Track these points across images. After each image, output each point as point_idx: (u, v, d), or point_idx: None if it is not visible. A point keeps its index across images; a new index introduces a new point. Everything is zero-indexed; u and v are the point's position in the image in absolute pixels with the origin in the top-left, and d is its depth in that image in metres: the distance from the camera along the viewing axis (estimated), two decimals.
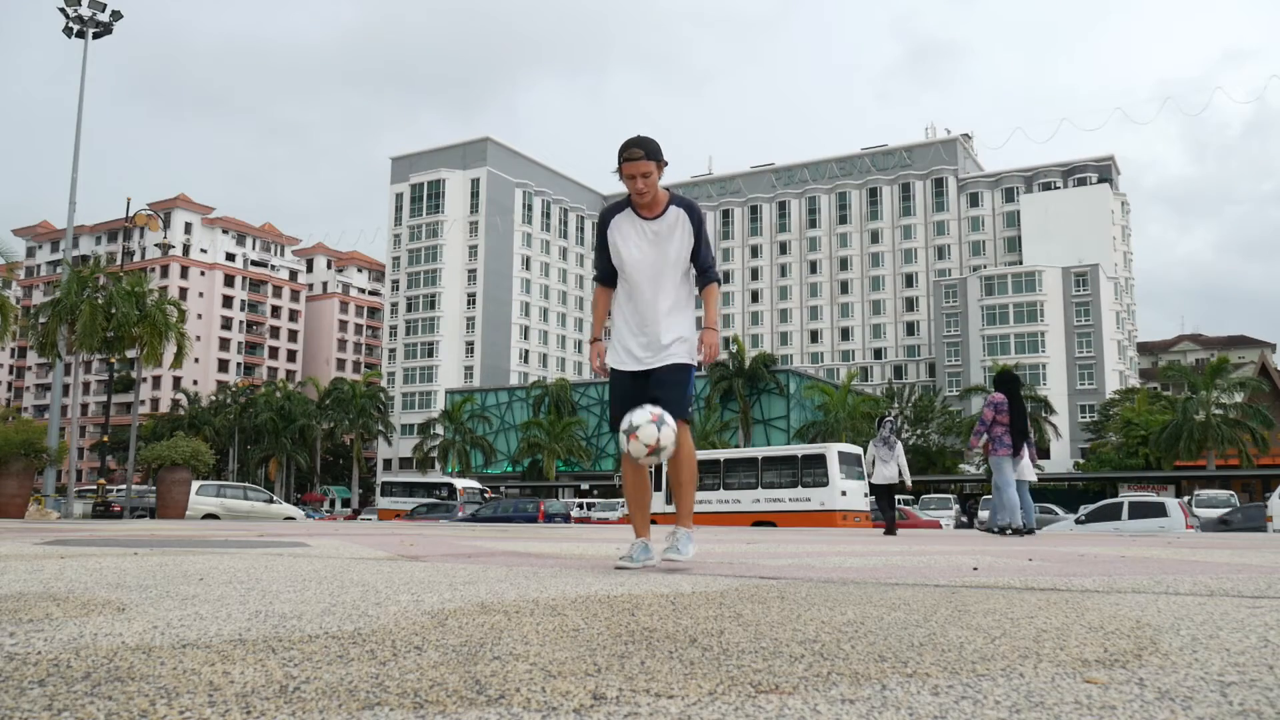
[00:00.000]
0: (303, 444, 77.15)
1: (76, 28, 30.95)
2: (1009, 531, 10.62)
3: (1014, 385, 11.12)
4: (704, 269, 3.96)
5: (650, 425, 3.54)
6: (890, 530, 12.58)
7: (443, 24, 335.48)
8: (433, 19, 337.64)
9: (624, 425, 3.59)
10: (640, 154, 3.71)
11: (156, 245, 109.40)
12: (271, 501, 27.96)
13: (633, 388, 3.87)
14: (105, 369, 43.19)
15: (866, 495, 27.07)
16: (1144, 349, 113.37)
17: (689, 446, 3.84)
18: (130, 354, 27.39)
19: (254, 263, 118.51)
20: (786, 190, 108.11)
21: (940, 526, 27.34)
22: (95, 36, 31.12)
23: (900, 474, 13.30)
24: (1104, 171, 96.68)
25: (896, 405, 64.78)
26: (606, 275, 4.01)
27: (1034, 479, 11.73)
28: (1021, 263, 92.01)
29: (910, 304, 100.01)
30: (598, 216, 4.12)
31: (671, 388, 3.81)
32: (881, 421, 13.67)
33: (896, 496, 14.08)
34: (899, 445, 13.42)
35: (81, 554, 4.49)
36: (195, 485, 22.59)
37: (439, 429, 72.55)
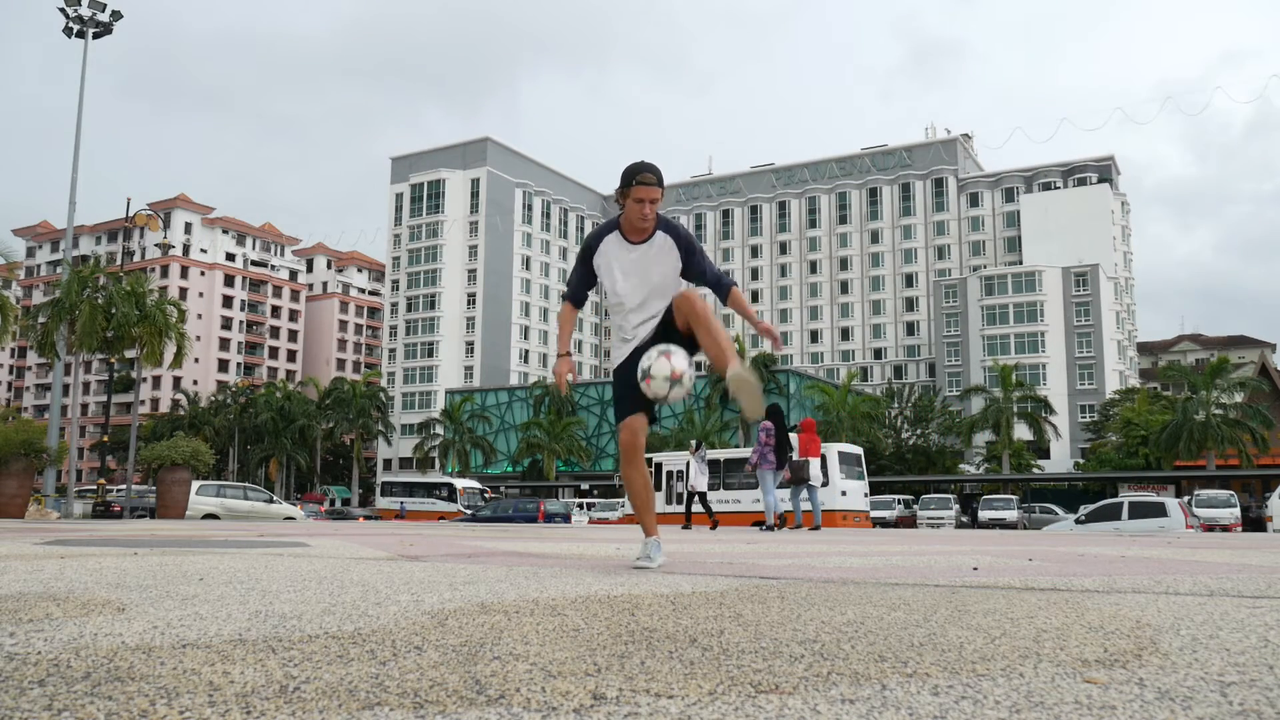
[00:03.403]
0: (303, 444, 77.12)
1: (76, 28, 30.94)
2: (774, 529, 13.22)
3: (779, 417, 14.12)
4: (716, 280, 3.92)
5: (662, 360, 3.58)
6: (714, 520, 15.58)
7: (443, 21, 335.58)
8: (433, 16, 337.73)
9: (639, 375, 3.63)
10: (653, 179, 3.71)
11: (156, 245, 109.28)
12: (271, 501, 27.96)
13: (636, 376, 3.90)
14: (105, 369, 43.14)
15: (866, 495, 27.12)
16: (1144, 349, 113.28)
17: (703, 303, 3.82)
18: (130, 354, 27.38)
19: (254, 263, 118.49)
20: (786, 190, 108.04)
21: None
22: (95, 36, 31.10)
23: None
24: (1104, 171, 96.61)
25: (896, 405, 64.69)
26: (579, 296, 4.01)
27: (820, 486, 15.01)
28: (1021, 263, 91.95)
29: (910, 304, 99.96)
30: (585, 239, 4.07)
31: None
32: (699, 444, 17.52)
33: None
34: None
35: (81, 554, 4.49)
36: (195, 485, 22.55)
37: (439, 429, 72.57)
